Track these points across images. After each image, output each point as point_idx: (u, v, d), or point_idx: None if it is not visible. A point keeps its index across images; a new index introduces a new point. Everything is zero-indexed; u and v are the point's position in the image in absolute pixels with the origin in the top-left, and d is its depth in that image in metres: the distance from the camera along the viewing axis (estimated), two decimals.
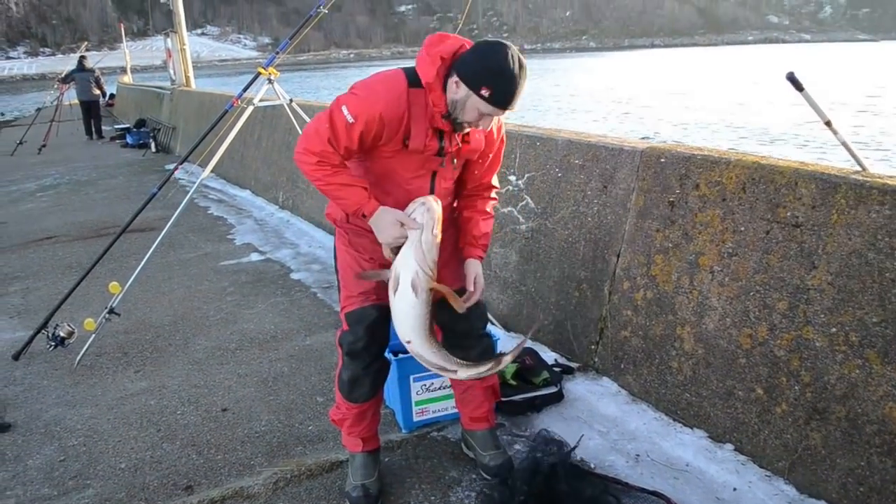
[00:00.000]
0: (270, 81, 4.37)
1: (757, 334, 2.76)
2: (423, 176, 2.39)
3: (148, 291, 5.23)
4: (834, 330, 2.51)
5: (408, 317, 2.28)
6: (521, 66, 2.15)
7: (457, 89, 2.19)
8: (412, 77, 2.25)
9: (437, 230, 2.24)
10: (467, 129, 2.32)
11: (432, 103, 2.23)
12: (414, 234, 2.24)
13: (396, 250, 2.31)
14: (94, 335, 4.03)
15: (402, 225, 2.25)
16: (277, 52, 4.36)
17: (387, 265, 2.37)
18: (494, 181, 2.64)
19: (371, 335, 2.53)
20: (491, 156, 2.54)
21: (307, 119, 4.93)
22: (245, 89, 4.43)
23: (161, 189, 4.43)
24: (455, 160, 2.43)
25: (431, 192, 2.40)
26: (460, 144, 2.37)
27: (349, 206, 2.30)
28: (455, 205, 2.65)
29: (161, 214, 6.99)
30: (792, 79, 2.52)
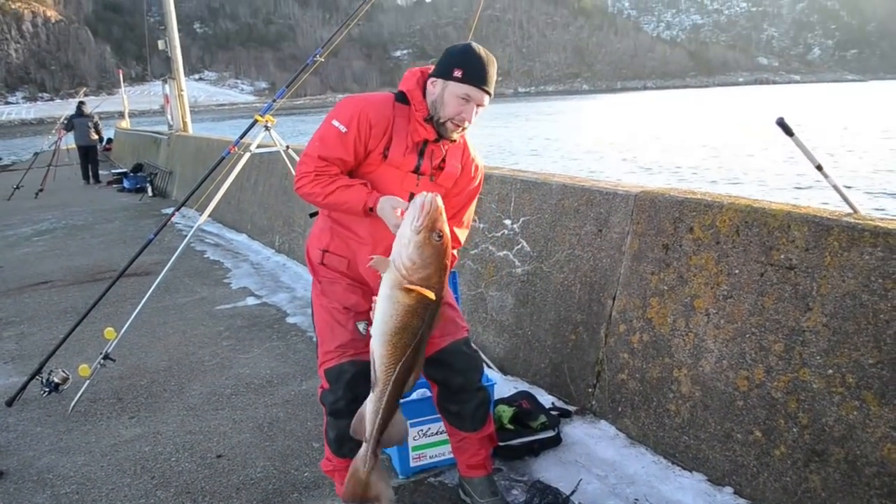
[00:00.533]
0: (267, 128, 4.42)
1: (754, 376, 2.76)
2: (403, 190, 2.43)
3: (143, 336, 5.21)
4: (830, 371, 2.52)
5: (377, 309, 2.10)
6: (486, 53, 2.37)
7: (433, 88, 2.38)
8: (398, 95, 2.45)
9: (422, 224, 2.01)
10: (454, 137, 2.43)
11: (414, 109, 2.39)
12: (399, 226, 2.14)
13: None
14: (88, 381, 4.01)
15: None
16: (274, 100, 4.43)
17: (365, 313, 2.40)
18: (460, 234, 2.67)
19: (352, 392, 2.45)
20: (466, 192, 2.61)
21: None
22: (242, 136, 4.48)
23: (158, 234, 4.45)
24: (433, 178, 2.49)
25: None
26: (438, 168, 2.48)
27: (356, 205, 2.31)
28: None
29: (157, 259, 7.02)
30: (782, 124, 2.56)
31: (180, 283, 6.81)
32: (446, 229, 2.06)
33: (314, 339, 4.94)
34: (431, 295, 2.04)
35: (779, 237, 2.74)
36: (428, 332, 2.14)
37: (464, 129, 2.43)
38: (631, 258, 3.37)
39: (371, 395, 2.17)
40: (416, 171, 2.44)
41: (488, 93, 2.39)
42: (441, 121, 2.38)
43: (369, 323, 2.39)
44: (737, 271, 2.88)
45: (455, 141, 2.50)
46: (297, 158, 5.03)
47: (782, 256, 2.71)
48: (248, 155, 4.45)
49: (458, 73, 2.33)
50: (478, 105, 2.39)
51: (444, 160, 2.49)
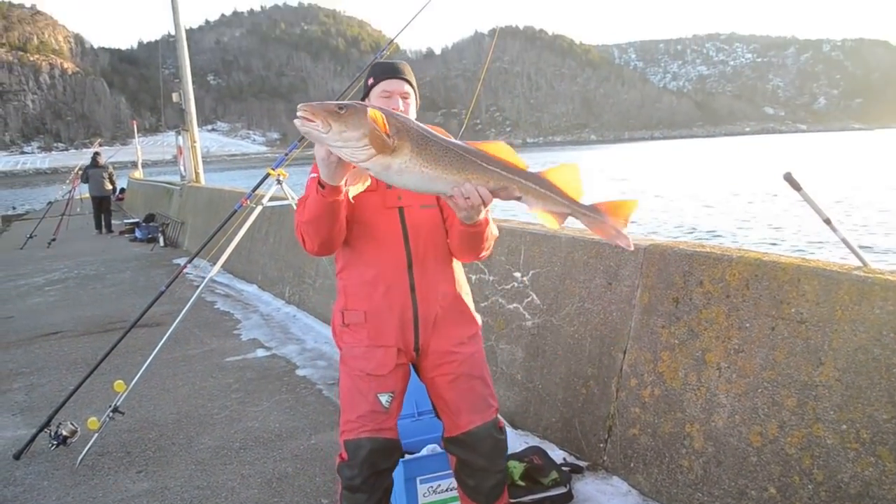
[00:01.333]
0: (279, 182, 4.48)
1: (767, 432, 2.73)
2: (390, 212, 2.42)
3: (153, 388, 5.20)
4: (844, 427, 2.49)
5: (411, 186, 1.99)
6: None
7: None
8: None
9: (324, 124, 1.87)
10: None
11: None
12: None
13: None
14: (96, 434, 4.00)
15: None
16: (287, 154, 4.49)
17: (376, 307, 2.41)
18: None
19: (369, 469, 2.38)
20: None
21: None
22: (254, 189, 4.54)
23: (169, 287, 4.48)
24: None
25: (404, 230, 2.42)
26: None
27: (312, 194, 2.20)
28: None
29: (168, 309, 7.03)
30: (789, 179, 2.58)
31: (190, 334, 6.81)
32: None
33: (324, 393, 4.95)
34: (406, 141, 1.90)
35: (789, 291, 2.73)
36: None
37: None
38: (641, 311, 3.37)
39: None
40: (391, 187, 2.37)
41: (404, 80, 2.50)
42: None
43: (393, 396, 2.42)
44: (748, 325, 2.87)
45: None
46: None
47: (793, 310, 2.71)
48: (259, 208, 4.50)
49: (371, 81, 2.52)
50: (402, 97, 2.47)
51: None
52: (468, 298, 2.60)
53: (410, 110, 2.50)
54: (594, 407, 3.57)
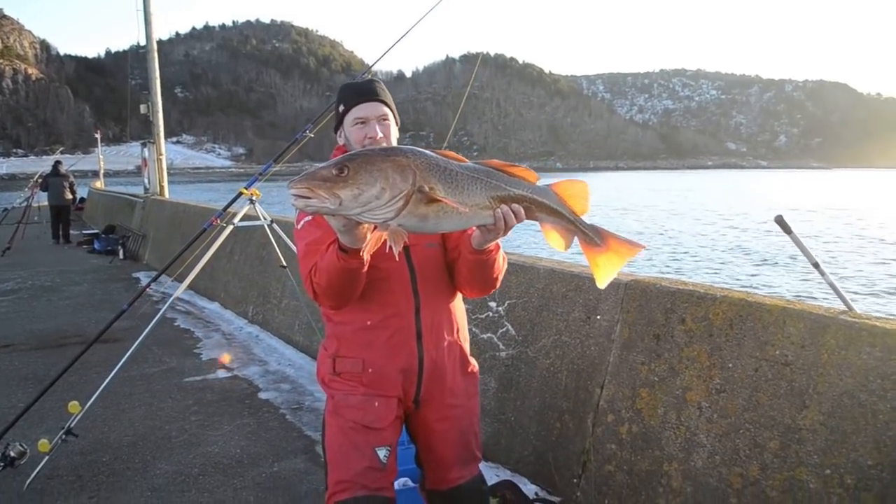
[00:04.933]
0: (252, 202, 4.35)
1: (748, 473, 2.68)
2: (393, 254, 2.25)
3: (108, 408, 4.99)
4: (828, 471, 2.45)
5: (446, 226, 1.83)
6: (363, 78, 2.40)
7: (340, 140, 2.33)
8: None
9: (330, 189, 1.64)
10: None
11: None
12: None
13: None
14: (47, 457, 3.81)
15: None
16: (260, 175, 4.38)
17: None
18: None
19: None
20: None
21: (287, 240, 4.90)
22: (226, 208, 4.41)
23: (131, 305, 4.32)
24: None
25: (411, 272, 2.21)
26: None
27: (333, 257, 1.98)
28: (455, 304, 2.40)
29: (125, 325, 6.74)
30: (780, 222, 2.56)
31: (148, 351, 6.59)
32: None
33: (287, 418, 4.80)
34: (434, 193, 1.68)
35: (774, 332, 2.70)
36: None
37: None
38: (620, 347, 3.31)
39: None
40: None
41: (379, 101, 2.26)
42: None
43: (391, 450, 2.23)
44: (730, 365, 2.82)
45: None
46: (281, 234, 4.99)
47: (777, 352, 2.67)
48: (230, 228, 4.37)
49: (342, 108, 2.29)
50: (379, 121, 2.24)
51: None
52: (468, 344, 2.45)
53: (391, 135, 2.27)
54: (568, 441, 3.49)
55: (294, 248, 4.97)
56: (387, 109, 2.29)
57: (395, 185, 1.64)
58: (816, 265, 2.60)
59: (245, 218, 4.63)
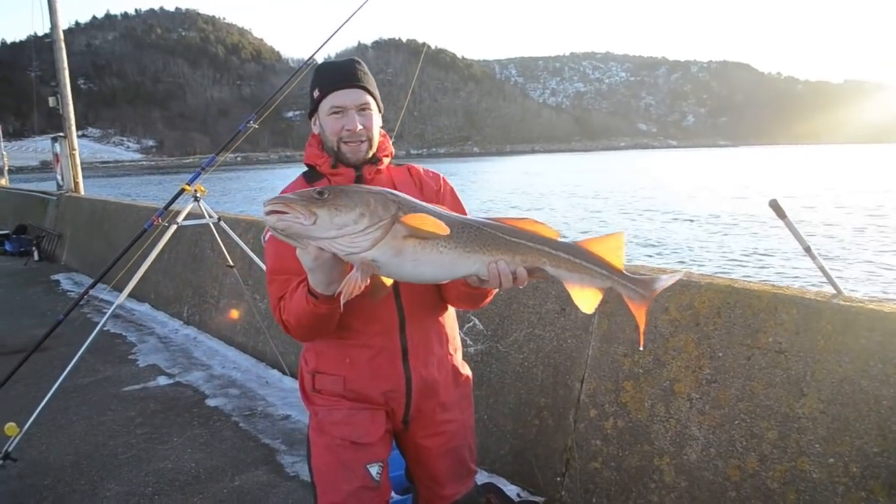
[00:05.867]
0: (196, 199, 4.08)
1: (746, 465, 2.63)
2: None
3: (42, 425, 4.61)
4: (832, 460, 2.41)
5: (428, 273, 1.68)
6: (342, 60, 2.12)
7: (316, 128, 2.12)
8: (308, 172, 2.15)
9: (301, 217, 1.56)
10: (365, 156, 2.06)
11: (319, 165, 2.10)
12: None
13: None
14: None
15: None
16: (203, 168, 4.10)
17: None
18: None
19: None
20: (447, 202, 2.12)
21: (236, 238, 4.62)
22: (167, 206, 4.11)
23: (67, 315, 4.00)
24: None
25: (394, 284, 1.95)
26: None
27: (303, 301, 1.84)
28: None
29: (47, 331, 6.38)
30: (775, 206, 2.51)
31: (80, 359, 6.18)
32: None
33: (241, 426, 4.56)
34: (425, 224, 1.58)
35: (765, 319, 2.65)
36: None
37: (366, 141, 2.05)
38: (600, 339, 3.22)
39: None
40: None
41: (360, 87, 2.04)
42: (335, 149, 2.03)
43: (384, 466, 2.07)
44: (720, 354, 2.76)
45: (379, 165, 2.10)
46: (230, 232, 4.72)
47: (770, 339, 2.62)
48: (174, 228, 4.08)
49: (317, 94, 2.06)
50: (360, 108, 2.03)
51: None
52: (460, 353, 2.29)
53: (373, 126, 2.06)
54: (549, 439, 3.39)
55: (242, 246, 4.71)
56: (368, 97, 2.06)
57: (375, 213, 1.56)
58: (808, 249, 2.56)
59: (189, 216, 4.33)
